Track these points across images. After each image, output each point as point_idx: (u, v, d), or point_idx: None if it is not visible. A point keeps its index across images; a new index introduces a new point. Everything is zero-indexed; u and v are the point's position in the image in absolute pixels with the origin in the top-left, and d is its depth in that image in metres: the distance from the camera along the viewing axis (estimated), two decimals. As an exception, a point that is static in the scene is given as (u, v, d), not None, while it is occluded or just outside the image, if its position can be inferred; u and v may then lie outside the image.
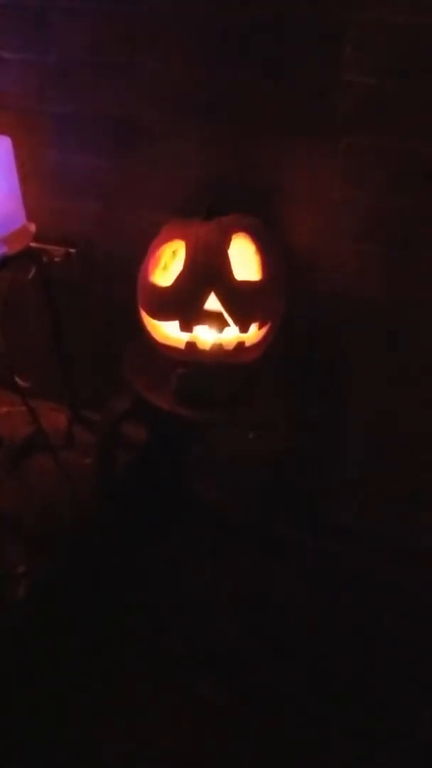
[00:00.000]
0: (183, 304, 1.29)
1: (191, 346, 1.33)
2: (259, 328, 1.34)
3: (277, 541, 1.78)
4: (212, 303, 1.29)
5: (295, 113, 1.37)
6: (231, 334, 1.32)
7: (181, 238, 1.31)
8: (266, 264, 1.32)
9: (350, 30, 1.26)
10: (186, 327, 1.31)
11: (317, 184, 1.41)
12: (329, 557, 1.74)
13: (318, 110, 1.36)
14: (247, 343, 1.34)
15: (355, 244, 1.45)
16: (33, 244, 1.65)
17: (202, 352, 1.33)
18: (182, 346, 1.33)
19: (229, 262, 1.28)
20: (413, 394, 1.53)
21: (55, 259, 1.71)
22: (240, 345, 1.33)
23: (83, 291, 1.74)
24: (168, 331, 1.35)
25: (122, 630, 1.55)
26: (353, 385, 1.59)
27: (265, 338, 1.36)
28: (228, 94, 1.41)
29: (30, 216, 1.60)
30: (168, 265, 1.36)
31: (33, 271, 1.66)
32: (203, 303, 1.28)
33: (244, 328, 1.31)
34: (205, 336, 1.32)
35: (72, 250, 1.70)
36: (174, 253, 1.35)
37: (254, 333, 1.34)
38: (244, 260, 1.31)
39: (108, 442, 1.43)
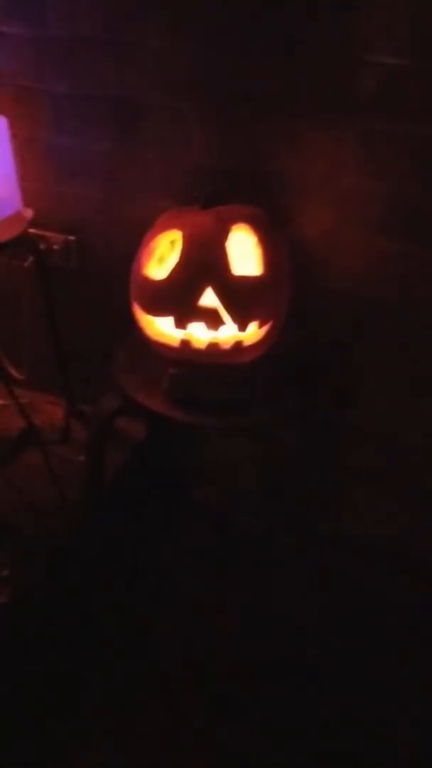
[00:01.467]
0: (177, 299, 1.20)
1: (185, 344, 1.24)
2: (259, 327, 1.24)
3: (276, 550, 1.69)
4: (208, 299, 1.19)
5: (306, 95, 1.27)
6: (228, 333, 1.23)
7: (177, 228, 1.22)
8: (268, 258, 1.22)
9: (368, 3, 1.15)
10: (180, 324, 1.21)
11: (328, 172, 1.31)
12: (330, 567, 1.65)
13: (331, 92, 1.25)
14: (246, 343, 1.24)
15: (369, 238, 1.35)
16: (31, 230, 1.57)
17: (197, 351, 1.24)
18: (176, 344, 1.25)
19: (226, 256, 1.19)
20: (427, 404, 1.43)
21: (54, 247, 1.64)
22: (238, 345, 1.24)
23: (82, 280, 1.66)
24: (162, 328, 1.26)
25: (110, 641, 1.47)
26: (361, 390, 1.49)
27: (265, 338, 1.26)
28: (234, 74, 1.31)
29: (27, 201, 1.53)
30: (165, 256, 1.27)
31: (30, 259, 1.58)
32: (198, 298, 1.19)
33: (242, 327, 1.22)
34: (201, 334, 1.23)
35: (71, 238, 1.62)
36: (172, 243, 1.25)
37: (253, 332, 1.24)
38: (244, 254, 1.22)
39: (98, 443, 1.35)
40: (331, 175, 1.31)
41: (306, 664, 1.45)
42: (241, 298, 1.20)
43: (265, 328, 1.25)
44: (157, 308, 1.24)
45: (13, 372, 1.71)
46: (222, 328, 1.22)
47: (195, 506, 1.79)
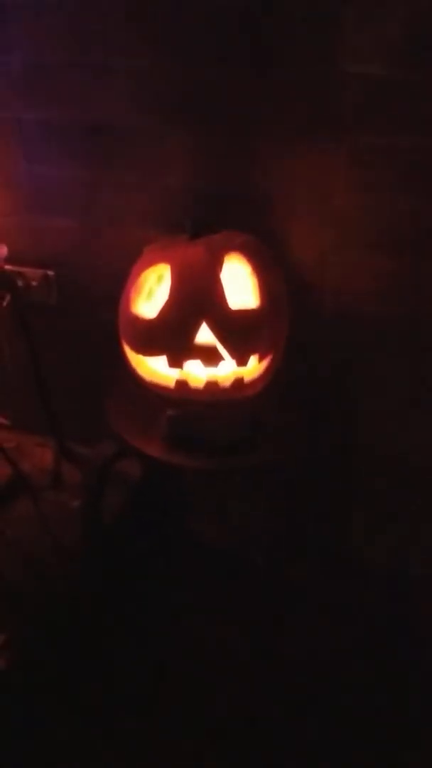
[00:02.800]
0: (171, 337, 1.12)
1: (182, 383, 1.16)
2: (260, 360, 1.16)
3: (284, 583, 1.61)
4: (204, 335, 1.12)
5: (291, 112, 1.21)
6: (227, 370, 1.15)
7: (165, 261, 1.14)
8: (265, 287, 1.14)
9: (349, 12, 1.08)
10: (175, 363, 1.13)
11: (319, 190, 1.25)
12: (340, 597, 1.57)
13: (317, 107, 1.19)
14: (247, 379, 1.17)
15: (365, 256, 1.28)
16: (7, 267, 1.49)
17: (195, 390, 1.16)
18: (172, 384, 1.16)
19: (221, 288, 1.11)
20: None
21: (32, 283, 1.55)
22: (238, 381, 1.16)
23: (64, 317, 1.58)
24: (155, 367, 1.18)
25: (117, 695, 1.38)
26: (366, 415, 1.42)
27: (267, 371, 1.19)
28: (214, 93, 1.24)
29: (1, 236, 1.44)
30: (153, 291, 1.19)
31: (7, 297, 1.49)
32: (194, 336, 1.11)
33: (242, 362, 1.14)
34: (198, 372, 1.15)
35: (50, 273, 1.54)
36: (159, 278, 1.18)
37: (254, 366, 1.17)
38: (239, 284, 1.14)
39: (94, 494, 1.26)
40: (322, 195, 1.25)
41: (318, 700, 1.37)
42: (240, 332, 1.12)
43: (266, 361, 1.18)
44: (148, 348, 1.16)
45: (-1, 418, 1.62)
46: (221, 365, 1.14)
47: (199, 541, 1.71)
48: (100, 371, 1.48)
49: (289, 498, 1.41)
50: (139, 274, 1.17)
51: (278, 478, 1.30)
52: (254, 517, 1.61)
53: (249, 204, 1.30)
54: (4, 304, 1.50)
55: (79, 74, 1.32)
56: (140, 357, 1.18)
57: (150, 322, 1.14)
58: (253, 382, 1.18)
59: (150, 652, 1.48)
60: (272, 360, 1.19)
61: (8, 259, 1.48)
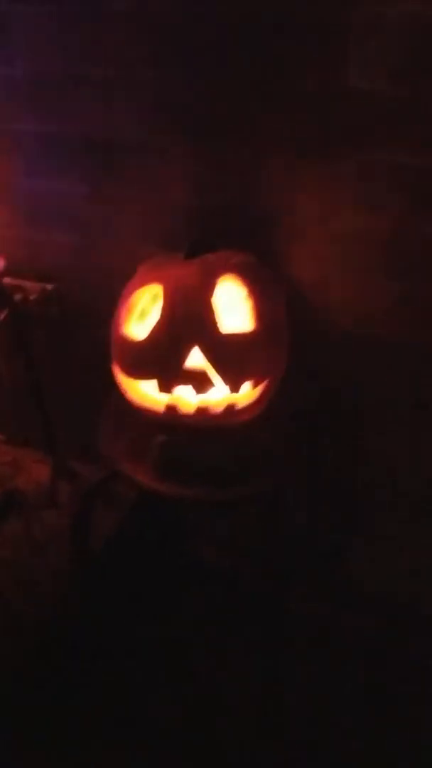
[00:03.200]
0: (160, 360, 1.08)
1: (172, 409, 1.11)
2: (254, 386, 1.11)
3: (289, 613, 1.55)
4: (195, 359, 1.07)
5: (295, 128, 1.16)
6: (219, 396, 1.10)
7: (158, 281, 1.09)
8: (260, 311, 1.09)
9: (353, 28, 1.03)
10: (165, 387, 1.09)
11: (323, 210, 1.20)
12: (344, 627, 1.51)
13: (325, 122, 1.14)
14: (239, 405, 1.11)
15: (371, 280, 1.22)
16: (5, 280, 1.46)
17: (186, 416, 1.11)
18: (161, 408, 1.12)
19: (213, 311, 1.06)
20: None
21: (30, 297, 1.51)
22: (231, 407, 1.11)
23: (63, 331, 1.54)
24: (145, 391, 1.13)
25: (110, 729, 1.33)
26: (371, 441, 1.36)
27: (261, 398, 1.14)
28: (217, 109, 1.20)
29: (-1, 249, 1.41)
30: (147, 311, 1.14)
31: (5, 311, 1.46)
32: (184, 360, 1.07)
33: (234, 388, 1.09)
34: (189, 397, 1.10)
35: (49, 287, 1.50)
36: (155, 297, 1.13)
37: (248, 393, 1.11)
38: (234, 307, 1.09)
39: (81, 519, 1.22)
40: (328, 213, 1.19)
41: (320, 741, 1.31)
42: (232, 357, 1.07)
43: (260, 387, 1.12)
44: (138, 371, 1.11)
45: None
46: (212, 391, 1.09)
47: (197, 564, 1.66)
48: (100, 387, 1.45)
49: (285, 524, 1.35)
50: (131, 294, 1.13)
51: (273, 504, 1.24)
52: (249, 540, 1.56)
53: (252, 222, 1.25)
54: (1, 317, 1.47)
55: (80, 87, 1.28)
56: (130, 380, 1.13)
57: (140, 344, 1.10)
58: (247, 408, 1.13)
59: (146, 678, 1.43)
60: (268, 386, 1.13)
61: (6, 272, 1.45)
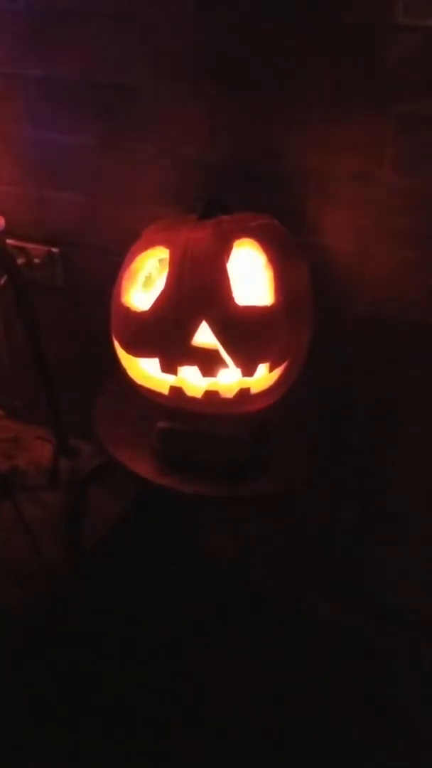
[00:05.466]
0: (164, 336, 0.94)
1: (177, 391, 0.97)
2: (271, 369, 0.97)
3: (302, 617, 1.43)
4: (204, 336, 0.93)
5: (329, 72, 0.99)
6: (231, 379, 0.96)
7: (165, 244, 0.95)
8: (281, 282, 0.94)
9: None
10: (168, 368, 0.95)
11: (357, 169, 1.04)
12: (365, 639, 1.38)
13: (361, 67, 0.97)
14: (254, 390, 0.97)
15: (408, 252, 1.06)
16: (9, 242, 1.33)
17: (192, 400, 0.97)
18: (165, 391, 0.98)
19: (227, 280, 0.92)
20: None
21: (35, 261, 1.39)
22: (244, 392, 0.97)
23: (69, 299, 1.41)
24: (148, 371, 1.00)
25: (109, 738, 1.23)
26: (401, 437, 1.20)
27: (279, 382, 0.99)
28: (241, 51, 1.03)
29: (2, 207, 1.28)
30: (153, 279, 1.00)
31: (5, 276, 1.33)
32: (191, 336, 0.92)
33: (248, 371, 0.94)
34: (195, 380, 0.96)
35: (54, 250, 1.37)
36: (162, 263, 0.99)
37: (264, 376, 0.97)
38: (252, 277, 0.94)
39: (76, 510, 1.10)
40: (364, 173, 1.03)
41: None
42: (246, 335, 0.93)
43: (278, 371, 0.98)
44: (139, 347, 0.98)
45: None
46: (222, 373, 0.94)
47: (205, 560, 1.53)
48: (108, 361, 1.32)
49: (300, 525, 1.21)
50: (134, 259, 0.98)
51: (289, 504, 1.10)
52: (261, 535, 1.43)
53: (276, 181, 1.10)
54: (2, 282, 1.34)
55: (91, 25, 1.13)
56: (131, 357, 1.00)
57: (141, 315, 0.96)
58: (262, 395, 0.99)
59: (141, 684, 1.32)
60: (287, 370, 0.99)
61: (9, 234, 1.32)
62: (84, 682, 1.28)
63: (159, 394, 1.00)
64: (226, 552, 1.49)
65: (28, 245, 1.37)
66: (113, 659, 1.33)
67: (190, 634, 1.41)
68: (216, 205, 1.00)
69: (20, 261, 1.37)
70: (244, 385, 0.96)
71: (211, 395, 0.97)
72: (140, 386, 1.02)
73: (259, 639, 1.40)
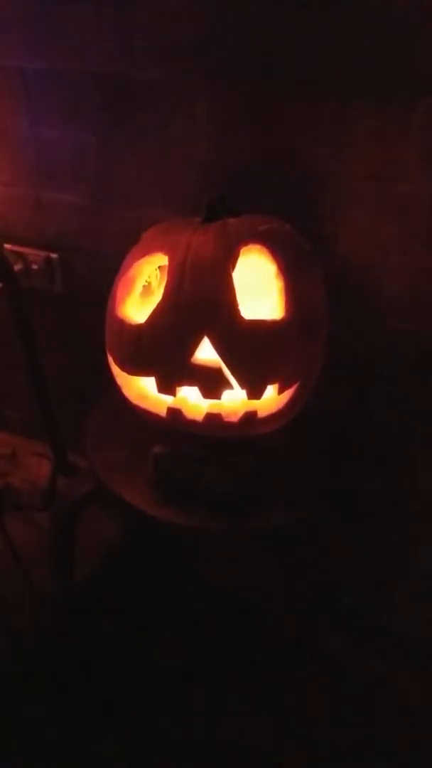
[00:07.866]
0: (161, 352, 0.84)
1: (175, 413, 0.87)
2: (279, 391, 0.87)
3: (305, 651, 1.32)
4: (206, 352, 0.83)
5: (351, 61, 0.89)
6: (236, 400, 0.86)
7: (164, 250, 0.85)
8: (293, 294, 0.84)
9: None
10: (166, 387, 0.85)
11: (379, 168, 0.94)
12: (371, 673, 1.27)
13: (387, 56, 0.86)
14: (261, 414, 0.87)
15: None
16: (6, 246, 1.25)
17: (192, 423, 0.87)
18: (163, 412, 0.88)
19: (232, 291, 0.82)
20: None
21: (32, 267, 1.30)
22: (249, 416, 0.87)
23: (68, 307, 1.32)
24: (144, 388, 0.90)
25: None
26: (422, 463, 1.10)
27: (288, 405, 0.89)
28: (253, 41, 0.94)
29: (-1, 209, 1.20)
30: (153, 288, 0.91)
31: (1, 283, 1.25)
32: (192, 353, 0.83)
33: (254, 393, 0.84)
34: (196, 401, 0.86)
35: (53, 255, 1.29)
36: (161, 270, 0.90)
37: (271, 398, 0.87)
38: (259, 287, 0.84)
39: (63, 539, 1.00)
40: (388, 173, 0.93)
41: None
42: (253, 353, 0.83)
43: (288, 393, 0.88)
44: (134, 364, 0.88)
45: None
46: (226, 394, 0.85)
47: (206, 586, 1.44)
48: (107, 373, 1.23)
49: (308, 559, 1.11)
50: (130, 266, 0.89)
51: (296, 539, 1.00)
52: (265, 562, 1.33)
53: (289, 181, 1.00)
54: (-3, 289, 1.25)
55: (92, 14, 1.04)
56: (126, 375, 0.90)
57: (137, 329, 0.86)
58: (269, 419, 0.89)
59: (136, 719, 1.22)
60: (297, 391, 0.89)
61: (5, 238, 1.24)
62: (78, 713, 1.19)
63: (156, 416, 0.91)
64: (226, 574, 1.39)
65: (26, 250, 1.29)
66: (109, 688, 1.24)
67: (188, 664, 1.31)
68: (221, 206, 0.90)
69: (17, 267, 1.29)
70: (250, 408, 0.87)
71: (212, 418, 0.87)
72: (136, 406, 0.93)
73: (261, 665, 1.30)
